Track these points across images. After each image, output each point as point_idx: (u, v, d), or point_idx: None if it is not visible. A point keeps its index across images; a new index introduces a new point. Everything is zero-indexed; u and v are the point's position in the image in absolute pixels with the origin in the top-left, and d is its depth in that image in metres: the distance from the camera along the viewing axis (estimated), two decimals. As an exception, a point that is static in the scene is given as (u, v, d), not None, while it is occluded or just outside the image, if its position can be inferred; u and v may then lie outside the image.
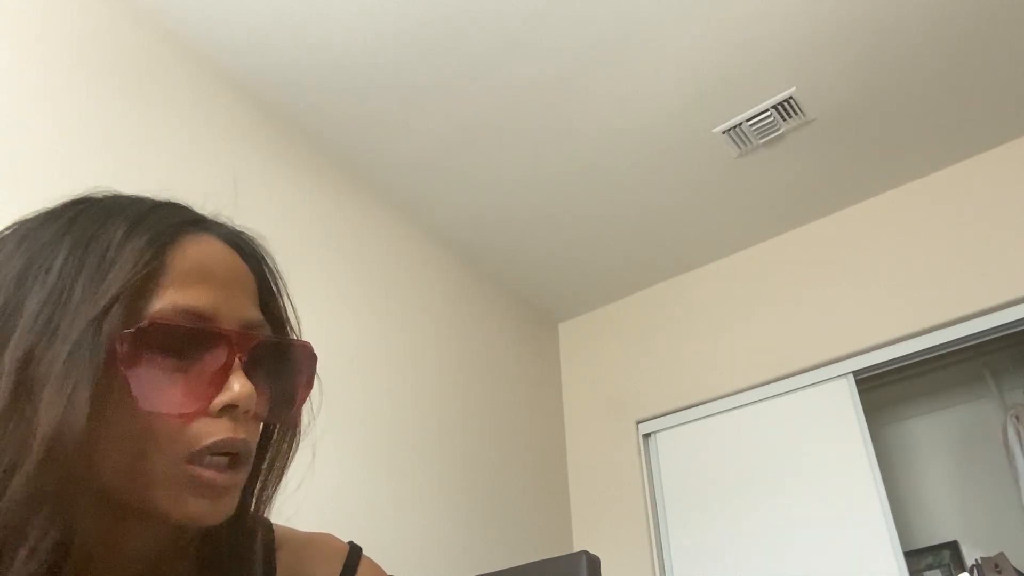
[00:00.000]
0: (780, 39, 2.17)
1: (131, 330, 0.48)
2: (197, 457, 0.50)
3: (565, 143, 2.46)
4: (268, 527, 0.64)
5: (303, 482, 0.61)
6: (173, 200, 0.59)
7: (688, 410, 2.88)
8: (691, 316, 3.00)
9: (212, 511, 0.51)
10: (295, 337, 0.61)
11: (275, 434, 0.59)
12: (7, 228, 0.55)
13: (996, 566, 2.67)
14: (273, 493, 0.59)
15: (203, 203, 0.61)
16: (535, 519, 2.75)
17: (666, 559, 2.71)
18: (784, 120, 2.41)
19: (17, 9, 1.70)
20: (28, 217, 0.56)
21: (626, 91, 2.30)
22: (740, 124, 2.42)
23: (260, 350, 0.54)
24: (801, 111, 2.38)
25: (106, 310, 0.48)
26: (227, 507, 0.52)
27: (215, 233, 0.57)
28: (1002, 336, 2.50)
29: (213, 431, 0.50)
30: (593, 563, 1.23)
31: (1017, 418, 2.81)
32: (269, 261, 0.61)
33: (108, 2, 1.91)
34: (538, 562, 1.42)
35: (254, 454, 0.54)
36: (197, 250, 0.54)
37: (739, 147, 2.50)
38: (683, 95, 2.33)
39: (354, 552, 0.67)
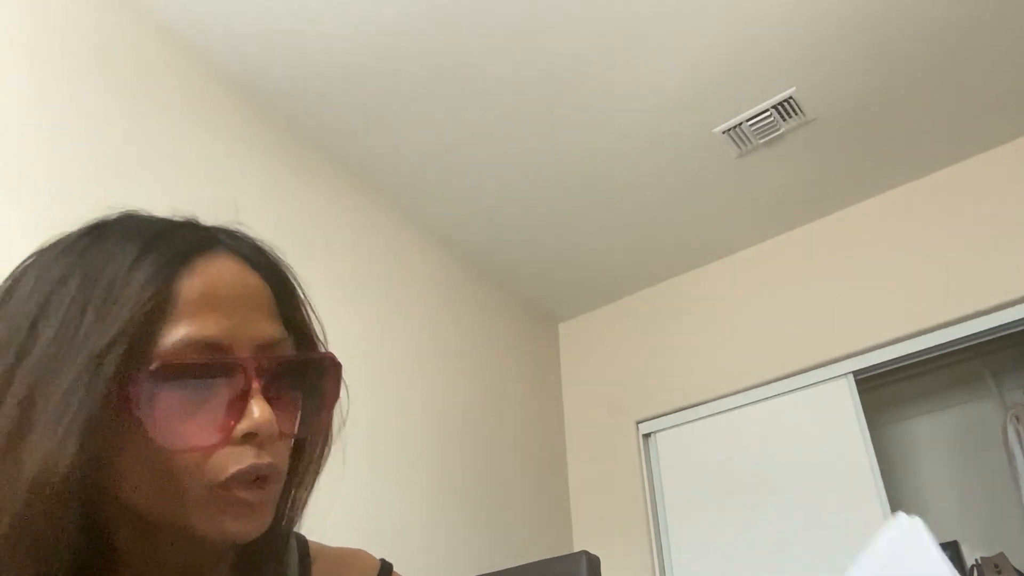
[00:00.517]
0: (780, 39, 2.17)
1: (141, 372, 0.48)
2: (224, 484, 0.50)
3: (565, 143, 2.46)
4: (303, 541, 0.65)
5: (333, 490, 0.62)
6: (185, 219, 0.58)
7: (688, 410, 2.88)
8: (691, 316, 3.00)
9: (247, 528, 0.51)
10: (318, 350, 0.60)
11: (306, 444, 0.59)
12: (26, 260, 0.55)
13: (996, 566, 2.67)
14: (306, 500, 0.60)
15: (216, 214, 0.60)
16: (535, 519, 2.75)
17: (666, 559, 2.71)
18: (784, 120, 2.41)
19: (17, 12, 1.70)
20: (46, 247, 0.56)
21: (626, 91, 2.30)
22: (740, 124, 2.42)
23: (283, 368, 0.54)
24: (801, 111, 2.38)
25: (108, 348, 0.47)
26: (262, 523, 0.52)
27: (228, 251, 0.56)
28: (1002, 336, 2.50)
29: (237, 459, 0.50)
30: (593, 563, 1.23)
31: (1017, 418, 2.81)
32: (288, 273, 0.60)
33: (111, 3, 1.91)
34: (538, 562, 1.43)
35: (285, 469, 0.55)
36: (207, 275, 0.53)
37: (739, 147, 2.50)
38: (683, 95, 2.33)
39: (385, 568, 0.68)
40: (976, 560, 2.77)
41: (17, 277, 0.54)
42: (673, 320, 3.03)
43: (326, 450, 0.60)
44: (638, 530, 2.76)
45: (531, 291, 3.13)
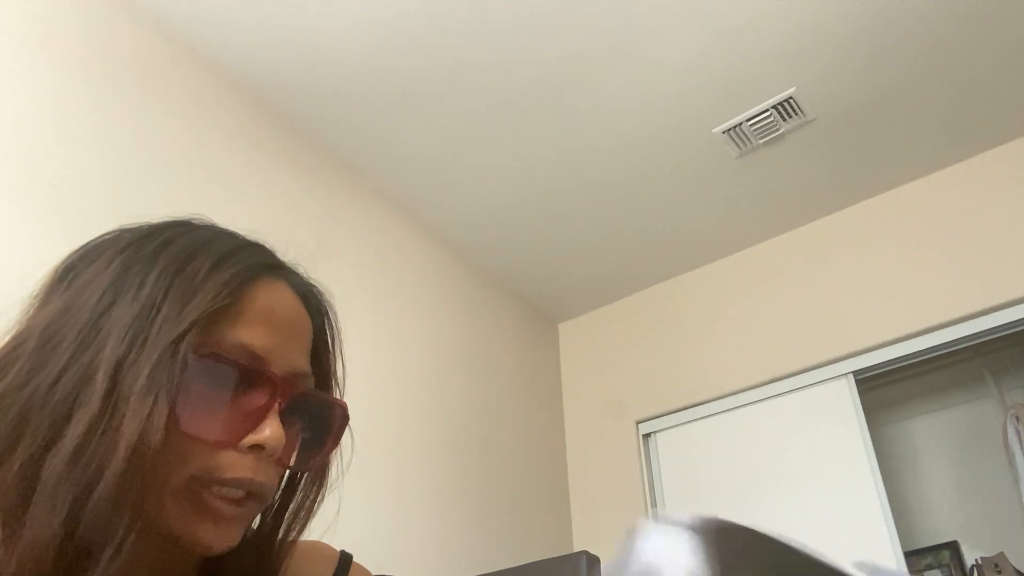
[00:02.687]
0: (780, 39, 2.17)
1: (195, 356, 0.51)
2: (213, 484, 0.52)
3: (565, 144, 2.46)
4: None
5: (332, 490, 0.64)
6: (259, 242, 0.63)
7: (688, 410, 2.88)
8: (691, 316, 3.00)
9: (215, 537, 0.52)
10: (335, 396, 0.64)
11: (302, 483, 0.61)
12: (109, 233, 0.59)
13: (996, 566, 2.67)
14: (296, 538, 0.61)
15: (286, 251, 0.65)
16: (535, 519, 2.75)
17: (666, 559, 2.71)
18: (784, 120, 2.41)
19: (24, 15, 1.70)
20: (130, 227, 0.59)
21: (626, 91, 2.30)
22: (740, 124, 2.42)
23: (299, 400, 0.57)
24: (801, 111, 2.38)
25: (185, 333, 0.51)
26: (231, 537, 0.53)
27: (288, 281, 0.61)
28: (1002, 336, 2.50)
29: (236, 466, 0.52)
30: (593, 563, 1.23)
31: (1017, 418, 2.81)
32: (331, 317, 0.65)
33: (108, 5, 1.91)
34: (538, 562, 1.43)
35: (269, 499, 0.57)
36: (268, 294, 0.57)
37: (739, 147, 2.50)
38: (683, 95, 2.33)
39: (345, 559, 0.70)
40: (976, 560, 2.78)
41: (98, 247, 0.57)
42: (673, 320, 3.03)
43: (320, 495, 0.62)
44: (638, 530, 2.76)
45: (531, 291, 3.13)
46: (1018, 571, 2.67)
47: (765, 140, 2.47)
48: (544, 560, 1.41)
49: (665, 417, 2.92)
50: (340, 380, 0.65)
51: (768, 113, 2.38)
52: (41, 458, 0.48)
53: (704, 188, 2.68)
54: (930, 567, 2.95)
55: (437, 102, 2.28)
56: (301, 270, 0.65)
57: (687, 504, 2.76)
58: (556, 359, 3.27)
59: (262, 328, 0.55)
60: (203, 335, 0.52)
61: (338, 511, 0.65)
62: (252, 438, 0.53)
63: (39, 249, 1.57)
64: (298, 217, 2.23)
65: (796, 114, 2.39)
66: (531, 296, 3.16)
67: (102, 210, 1.69)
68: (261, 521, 0.60)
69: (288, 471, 0.60)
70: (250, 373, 0.54)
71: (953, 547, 2.96)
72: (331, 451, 0.61)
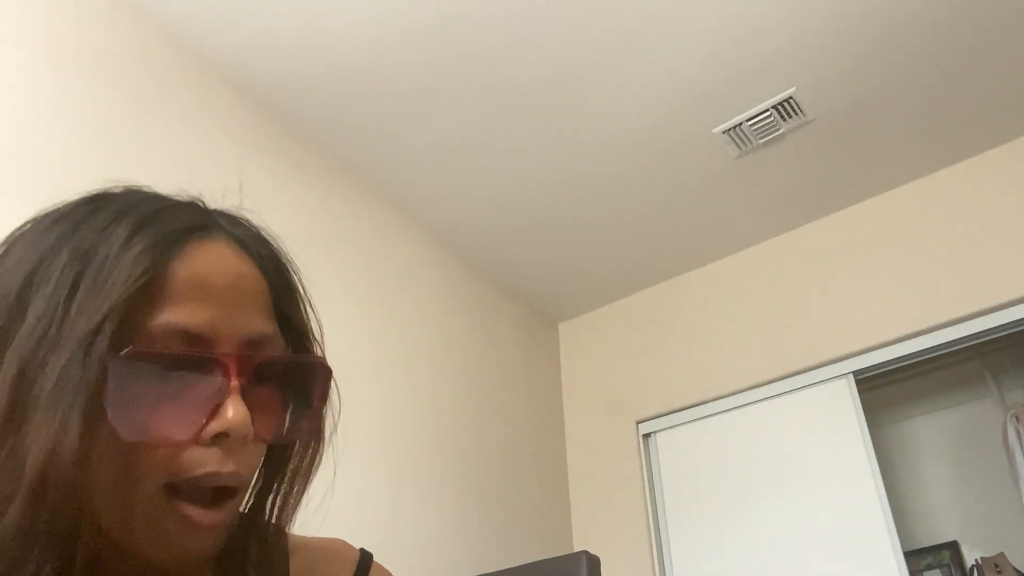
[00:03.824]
0: (780, 39, 2.17)
1: (114, 357, 0.44)
2: (181, 487, 0.47)
3: (565, 143, 2.46)
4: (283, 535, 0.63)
5: (325, 498, 0.60)
6: (187, 199, 0.55)
7: (688, 410, 2.88)
8: (691, 316, 3.00)
9: (195, 545, 0.48)
10: (313, 351, 0.57)
11: (296, 447, 0.56)
12: (19, 228, 0.52)
13: (996, 566, 2.67)
14: (295, 507, 0.56)
15: (222, 199, 0.57)
16: (535, 519, 2.75)
17: (666, 559, 2.71)
18: (784, 120, 2.41)
19: (25, 14, 1.70)
20: (40, 215, 0.53)
21: (626, 91, 2.30)
22: (740, 124, 2.42)
23: (266, 368, 0.51)
24: (801, 111, 2.38)
25: (97, 328, 0.44)
26: (207, 544, 0.49)
27: (228, 237, 0.53)
28: (1002, 336, 2.50)
29: (202, 462, 0.47)
30: (593, 563, 1.23)
31: (1017, 418, 2.81)
32: (289, 266, 0.57)
33: (108, 4, 1.91)
34: (538, 562, 1.43)
35: (250, 480, 0.52)
36: (199, 260, 0.50)
37: (739, 147, 2.50)
38: (683, 95, 2.33)
39: (365, 559, 0.67)
40: (976, 560, 2.78)
41: (8, 245, 0.51)
42: (673, 320, 3.03)
43: (317, 457, 0.56)
44: (638, 530, 2.76)
45: (531, 291, 3.13)
46: (1018, 571, 2.67)
47: (765, 140, 2.47)
48: (544, 560, 1.41)
49: (665, 417, 2.92)
50: (318, 334, 0.58)
51: (768, 113, 2.38)
52: None
53: (704, 188, 2.68)
54: (930, 567, 2.95)
55: (437, 101, 2.28)
56: (242, 217, 0.56)
57: (687, 504, 2.76)
58: (556, 359, 3.27)
59: (197, 302, 0.48)
60: (124, 327, 0.45)
61: (321, 505, 0.62)
62: (213, 427, 0.47)
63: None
64: (298, 217, 2.23)
65: (796, 114, 2.39)
66: (531, 296, 3.16)
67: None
68: (253, 501, 0.55)
69: (274, 443, 0.54)
70: (191, 359, 0.47)
71: (953, 547, 2.96)
72: (320, 411, 0.54)
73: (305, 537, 0.65)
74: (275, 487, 0.55)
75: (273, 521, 0.56)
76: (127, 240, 0.48)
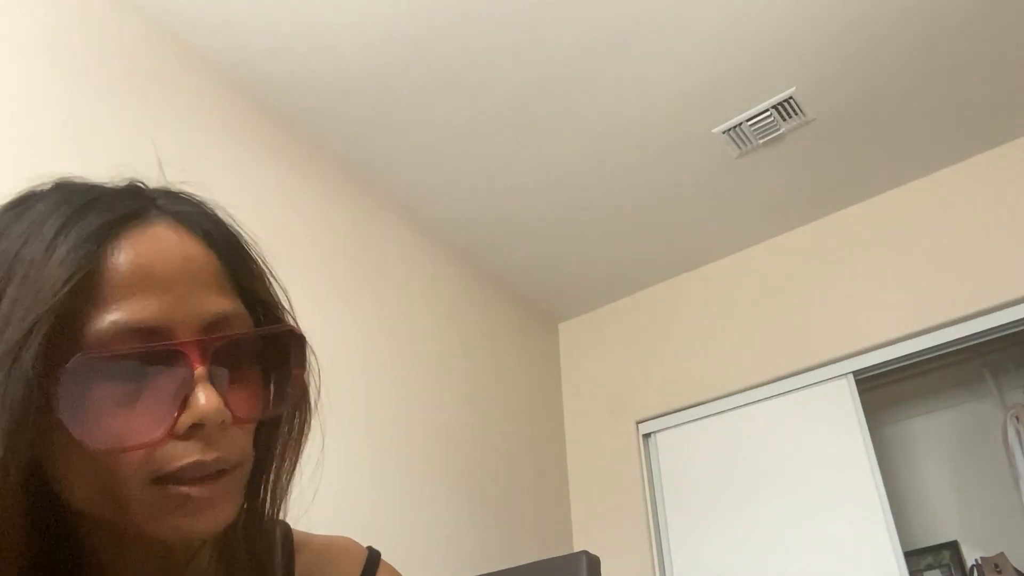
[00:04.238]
0: (780, 39, 2.17)
1: (61, 369, 0.42)
2: (166, 481, 0.46)
3: (565, 143, 2.46)
4: (287, 530, 0.61)
5: (331, 490, 0.58)
6: (122, 185, 0.52)
7: (688, 410, 2.88)
8: (691, 316, 3.00)
9: (202, 525, 0.46)
10: (284, 321, 0.54)
11: (283, 418, 0.53)
12: None
13: (996, 566, 2.67)
14: (287, 486, 0.54)
15: (159, 175, 0.53)
16: (535, 519, 2.75)
17: (666, 559, 2.71)
18: (784, 120, 2.41)
19: (26, 14, 1.70)
20: None
21: (626, 91, 2.30)
22: (740, 124, 2.42)
23: (232, 348, 0.48)
24: (801, 111, 2.38)
25: (24, 341, 0.42)
26: (214, 520, 0.47)
27: (168, 218, 0.49)
28: (1002, 336, 2.50)
29: (181, 454, 0.45)
30: (593, 563, 1.24)
31: (1017, 418, 2.81)
32: (240, 238, 0.53)
33: (109, 4, 1.91)
34: (538, 562, 1.43)
35: (243, 462, 0.49)
36: (138, 249, 0.46)
37: (739, 147, 2.50)
38: (683, 95, 2.33)
39: (373, 557, 0.66)
40: (976, 560, 2.78)
41: None
42: (673, 320, 3.03)
43: (305, 426, 0.54)
44: (638, 530, 2.76)
45: (531, 291, 3.13)
46: (1018, 571, 2.67)
47: (765, 140, 2.47)
48: (544, 560, 1.41)
49: (665, 417, 2.92)
50: (285, 301, 0.55)
51: (768, 113, 2.38)
52: None
53: (704, 188, 2.68)
54: (930, 567, 2.95)
55: (437, 102, 2.28)
56: (184, 193, 0.53)
57: (687, 504, 2.76)
58: (556, 359, 3.26)
59: (142, 294, 0.45)
60: (65, 335, 0.43)
61: (313, 499, 0.61)
62: (185, 420, 0.45)
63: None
64: (297, 216, 2.23)
65: (796, 114, 2.39)
66: (531, 296, 3.16)
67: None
68: (249, 478, 0.53)
69: (261, 419, 0.52)
70: (147, 354, 0.45)
71: (953, 547, 2.96)
72: (300, 378, 0.52)
73: (312, 534, 0.65)
74: (267, 464, 0.53)
75: (268, 498, 0.54)
76: (54, 240, 0.45)
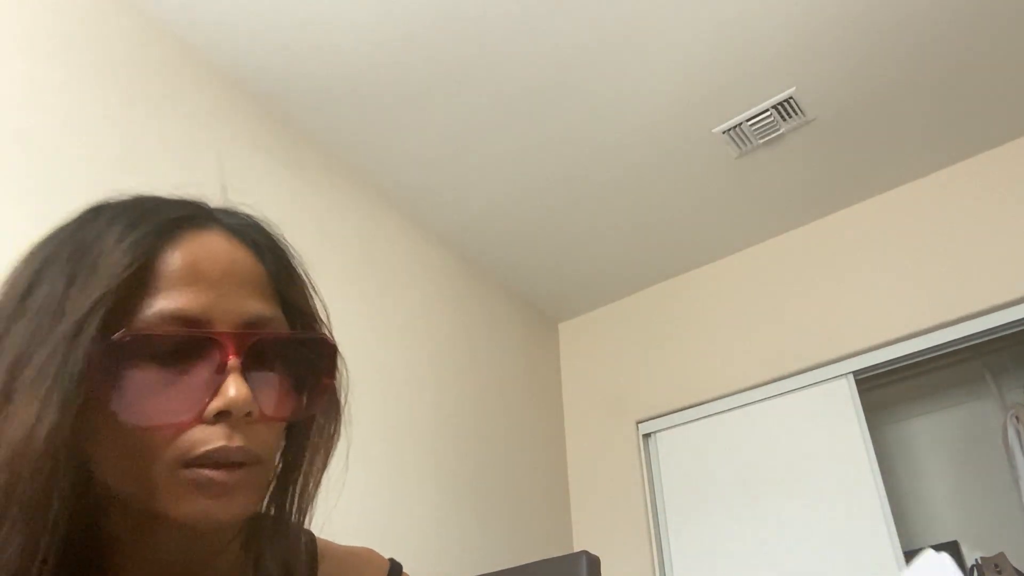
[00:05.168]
0: (780, 39, 2.17)
1: (108, 343, 0.46)
2: (192, 463, 0.48)
3: (565, 143, 2.46)
4: (311, 538, 0.63)
5: (330, 490, 0.60)
6: (183, 197, 0.56)
7: (688, 410, 2.88)
8: (691, 316, 3.00)
9: (222, 509, 0.49)
10: (312, 331, 0.57)
11: (311, 429, 0.56)
12: (29, 248, 0.55)
13: (996, 566, 2.67)
14: (315, 492, 0.57)
15: (221, 196, 0.58)
16: (535, 519, 2.75)
17: (666, 559, 2.71)
18: (784, 120, 2.41)
19: (27, 14, 1.70)
20: (54, 228, 0.55)
21: (626, 91, 2.30)
22: (740, 124, 2.42)
23: (267, 347, 0.52)
24: (801, 111, 2.38)
25: (85, 318, 0.46)
26: (236, 507, 0.49)
27: (222, 227, 0.55)
28: (1002, 336, 2.50)
29: (207, 439, 0.48)
30: (593, 563, 1.24)
31: (1017, 418, 2.81)
32: (287, 252, 0.59)
33: (109, 4, 1.91)
34: (538, 562, 1.43)
35: (266, 460, 0.52)
36: (190, 249, 0.51)
37: (739, 147, 2.50)
38: (683, 95, 2.33)
39: (395, 568, 0.67)
40: (976, 560, 2.77)
41: (28, 251, 0.54)
42: (673, 320, 3.03)
43: (335, 433, 0.57)
44: (638, 530, 2.76)
45: (531, 291, 3.13)
46: (1018, 571, 2.67)
47: (765, 140, 2.47)
48: (544, 560, 1.41)
49: (665, 417, 2.92)
50: (324, 314, 0.59)
51: (768, 113, 2.38)
52: None
53: (704, 188, 2.68)
54: (930, 567, 2.95)
55: (436, 101, 2.28)
56: (239, 210, 0.58)
57: (687, 504, 2.76)
58: (556, 359, 3.27)
59: (189, 288, 0.50)
60: (117, 316, 0.47)
61: (336, 508, 0.63)
62: (214, 405, 0.48)
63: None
64: (297, 216, 2.23)
65: (796, 114, 2.39)
66: (531, 296, 3.16)
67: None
68: (276, 483, 0.56)
69: (291, 420, 0.55)
70: (187, 340, 0.49)
71: (953, 547, 2.96)
72: (329, 387, 0.56)
73: (334, 544, 0.66)
74: (296, 469, 0.56)
75: (296, 503, 0.56)
76: (120, 236, 0.50)
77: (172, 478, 0.48)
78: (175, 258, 0.50)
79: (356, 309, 2.31)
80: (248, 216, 0.58)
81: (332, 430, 0.57)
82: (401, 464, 2.26)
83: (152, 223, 0.51)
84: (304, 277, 0.59)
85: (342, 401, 0.57)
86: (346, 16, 2.02)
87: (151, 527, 0.51)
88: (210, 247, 0.52)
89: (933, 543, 3.00)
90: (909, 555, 2.62)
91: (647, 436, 2.94)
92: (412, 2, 2.00)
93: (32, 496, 0.45)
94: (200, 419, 0.48)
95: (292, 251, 0.59)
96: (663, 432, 2.92)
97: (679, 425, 2.88)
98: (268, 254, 0.56)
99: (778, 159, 2.57)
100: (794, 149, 2.53)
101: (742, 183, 2.67)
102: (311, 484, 0.56)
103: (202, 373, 0.49)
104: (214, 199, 0.59)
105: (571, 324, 3.32)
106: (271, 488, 0.55)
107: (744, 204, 2.77)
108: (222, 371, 0.49)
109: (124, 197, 0.56)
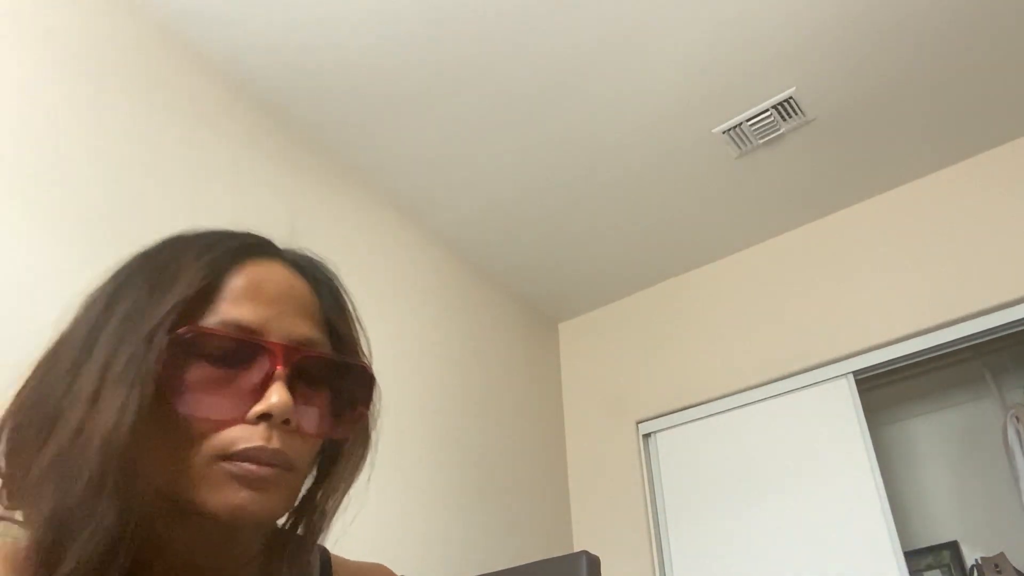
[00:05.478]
0: (780, 39, 2.17)
1: (173, 337, 0.52)
2: (230, 458, 0.52)
3: (565, 143, 2.46)
4: (325, 552, 0.67)
5: (358, 513, 0.63)
6: (250, 231, 0.63)
7: (688, 410, 2.88)
8: (691, 316, 3.00)
9: (250, 502, 0.52)
10: (356, 358, 0.63)
11: (340, 452, 0.62)
12: (110, 270, 0.61)
13: (996, 566, 2.67)
14: (336, 509, 0.61)
15: (282, 235, 0.65)
16: (535, 519, 2.75)
17: (666, 559, 2.71)
18: (784, 120, 2.41)
19: (26, 13, 1.70)
20: (129, 255, 0.62)
21: (626, 91, 2.30)
22: (740, 124, 2.42)
23: (312, 366, 0.57)
24: (801, 111, 2.38)
25: (160, 322, 0.52)
26: (272, 502, 0.54)
27: (280, 258, 0.61)
28: (1002, 336, 2.50)
29: (247, 437, 0.53)
30: (593, 563, 1.24)
31: (1017, 418, 2.81)
32: (340, 288, 0.66)
33: (108, 3, 1.91)
34: (538, 562, 1.43)
35: (299, 468, 0.56)
36: (255, 272, 0.58)
37: (739, 147, 2.50)
38: (683, 95, 2.33)
39: None
40: (976, 560, 2.77)
41: (106, 276, 0.60)
42: (673, 320, 3.03)
43: (363, 459, 0.63)
44: (638, 530, 2.76)
45: (531, 291, 3.13)
46: (1018, 571, 2.67)
47: (765, 140, 2.48)
48: (544, 560, 1.41)
49: (665, 417, 2.92)
50: (366, 347, 0.65)
51: (768, 113, 2.38)
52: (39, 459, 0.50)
53: (704, 188, 2.68)
54: (930, 567, 2.95)
55: (436, 102, 2.28)
56: (300, 249, 0.65)
57: (687, 504, 2.76)
58: (556, 359, 3.27)
59: (249, 303, 0.56)
60: (184, 321, 0.53)
61: (339, 512, 0.64)
62: (258, 408, 0.53)
63: (39, 247, 1.57)
64: (297, 216, 2.23)
65: (796, 114, 2.39)
66: (531, 296, 3.16)
67: (102, 210, 1.68)
68: (307, 492, 0.60)
69: (324, 439, 0.60)
70: (243, 346, 0.54)
71: (953, 547, 2.96)
72: (363, 414, 0.62)
73: (348, 559, 0.69)
74: (323, 487, 0.61)
75: (318, 517, 0.60)
76: (197, 255, 0.57)
77: (210, 469, 0.52)
78: (240, 278, 0.57)
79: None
80: (309, 253, 0.66)
81: (360, 456, 0.63)
82: (400, 464, 2.26)
83: (225, 248, 0.58)
84: (352, 313, 0.66)
85: (372, 431, 0.64)
86: (348, 18, 2.02)
87: (184, 523, 0.54)
88: (272, 273, 0.59)
89: (933, 543, 3.00)
90: (909, 555, 2.62)
91: (647, 436, 2.94)
92: (412, 2, 2.00)
93: (123, 481, 0.49)
94: (243, 419, 0.53)
95: (346, 292, 0.66)
96: (663, 432, 2.92)
97: (679, 425, 2.88)
98: (323, 288, 0.63)
99: (778, 159, 2.58)
100: (794, 149, 2.54)
101: (742, 183, 2.67)
102: (333, 503, 0.61)
103: (251, 378, 0.54)
104: (281, 239, 0.65)
105: (571, 324, 3.32)
106: (297, 503, 0.59)
107: (744, 204, 2.77)
108: (269, 378, 0.54)
109: (201, 229, 0.62)
